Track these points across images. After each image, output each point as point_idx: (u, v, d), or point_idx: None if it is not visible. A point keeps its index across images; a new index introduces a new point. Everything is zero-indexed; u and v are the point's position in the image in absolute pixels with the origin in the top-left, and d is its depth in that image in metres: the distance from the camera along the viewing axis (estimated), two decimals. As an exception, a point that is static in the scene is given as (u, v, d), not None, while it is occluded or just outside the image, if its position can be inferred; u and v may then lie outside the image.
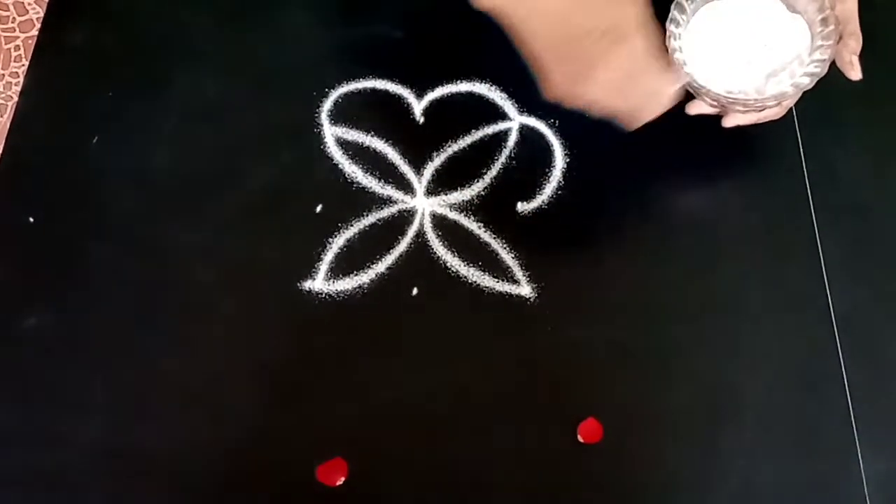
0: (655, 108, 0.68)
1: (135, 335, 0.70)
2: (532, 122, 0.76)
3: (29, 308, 0.71)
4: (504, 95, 0.77)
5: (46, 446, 0.67)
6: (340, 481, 0.65)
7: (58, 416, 0.68)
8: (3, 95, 0.79)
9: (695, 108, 0.72)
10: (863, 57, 0.67)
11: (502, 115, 0.77)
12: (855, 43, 0.67)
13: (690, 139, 0.74)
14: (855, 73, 0.67)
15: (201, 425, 0.67)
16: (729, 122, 0.71)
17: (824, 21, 0.67)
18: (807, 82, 0.67)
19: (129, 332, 0.70)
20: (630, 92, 0.66)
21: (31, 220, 0.74)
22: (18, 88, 0.78)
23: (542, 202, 0.74)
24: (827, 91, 0.67)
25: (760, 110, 0.69)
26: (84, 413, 0.68)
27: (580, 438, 0.66)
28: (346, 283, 0.71)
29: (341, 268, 0.72)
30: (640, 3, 0.64)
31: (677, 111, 0.72)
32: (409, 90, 0.78)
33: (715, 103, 0.70)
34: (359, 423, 0.67)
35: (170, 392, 0.68)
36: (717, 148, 0.75)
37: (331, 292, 0.71)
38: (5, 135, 0.76)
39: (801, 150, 0.75)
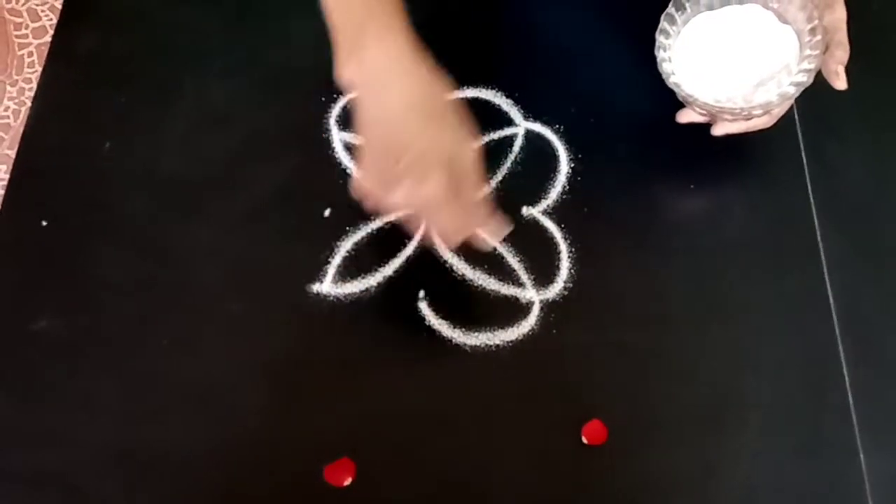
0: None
1: (144, 337, 0.70)
2: (537, 127, 0.77)
3: (40, 310, 0.71)
4: (510, 101, 0.78)
5: (55, 446, 0.67)
6: (348, 482, 0.65)
7: (67, 417, 0.68)
8: (16, 101, 0.79)
9: (685, 117, 0.72)
10: (850, 64, 0.67)
11: (508, 121, 0.77)
12: (842, 53, 0.67)
13: (693, 143, 0.74)
14: (840, 82, 0.67)
15: (210, 426, 0.68)
16: (718, 130, 0.71)
17: (812, 31, 0.68)
18: (792, 91, 0.67)
19: (138, 333, 0.71)
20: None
21: (44, 223, 0.74)
22: (31, 94, 0.79)
23: (548, 206, 0.74)
24: (828, 94, 0.68)
25: (749, 119, 0.70)
26: (93, 414, 0.68)
27: (584, 440, 0.66)
28: (354, 286, 0.72)
29: (349, 271, 0.72)
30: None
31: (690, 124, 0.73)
32: (415, 96, 0.78)
33: (704, 112, 0.70)
34: (366, 424, 0.67)
35: (178, 393, 0.69)
36: (720, 152, 0.75)
37: (339, 295, 0.71)
38: (19, 139, 0.77)
39: (803, 152, 0.75)
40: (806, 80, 0.67)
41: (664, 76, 0.69)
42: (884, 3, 0.81)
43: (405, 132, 0.61)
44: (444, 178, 0.60)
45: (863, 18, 0.68)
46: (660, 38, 0.69)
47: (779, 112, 0.70)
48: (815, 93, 0.67)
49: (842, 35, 0.67)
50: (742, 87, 0.70)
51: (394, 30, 0.62)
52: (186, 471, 0.66)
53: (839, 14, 0.67)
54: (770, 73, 0.69)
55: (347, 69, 0.62)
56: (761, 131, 0.71)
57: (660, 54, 0.69)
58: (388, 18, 0.62)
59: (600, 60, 0.79)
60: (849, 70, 0.67)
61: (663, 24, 0.70)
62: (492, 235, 0.68)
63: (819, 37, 0.67)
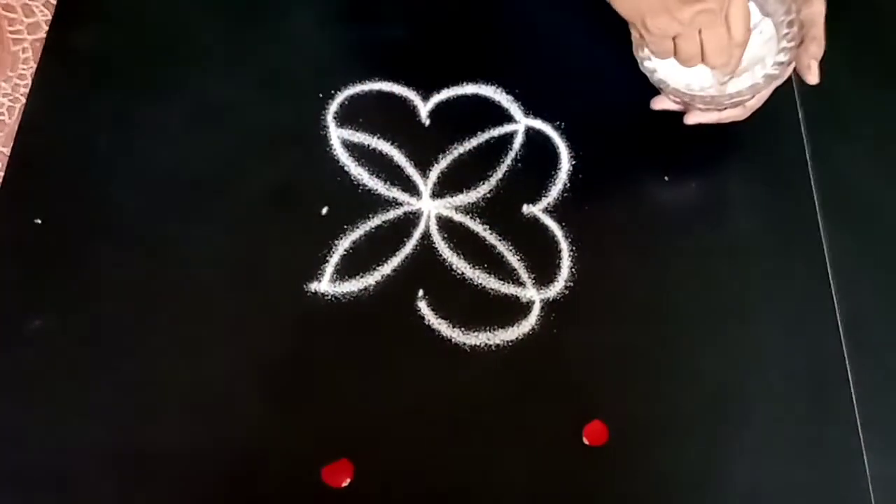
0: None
1: (140, 336, 0.70)
2: (538, 124, 0.77)
3: (35, 309, 0.71)
4: (510, 98, 0.78)
5: (51, 446, 0.67)
6: (346, 483, 0.65)
7: (62, 417, 0.67)
8: (11, 97, 0.79)
9: (658, 104, 0.73)
10: (822, 62, 0.67)
11: (508, 118, 0.77)
12: (816, 48, 0.67)
13: (696, 141, 0.74)
14: (812, 77, 0.67)
15: (206, 427, 0.67)
16: (690, 119, 0.72)
17: (789, 24, 0.68)
18: (762, 83, 0.67)
19: (134, 333, 0.70)
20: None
21: (39, 221, 0.74)
22: (26, 90, 0.79)
23: (548, 204, 0.74)
24: (833, 92, 0.68)
25: (721, 109, 0.69)
26: (89, 414, 0.68)
27: (586, 441, 0.66)
28: (352, 285, 0.71)
29: (347, 270, 0.72)
30: None
31: (683, 117, 0.73)
32: (414, 92, 0.78)
33: (677, 100, 0.70)
34: (364, 424, 0.67)
35: (175, 393, 0.68)
36: (722, 150, 0.75)
37: (336, 294, 0.71)
38: (13, 136, 0.77)
39: (807, 151, 0.75)
40: (778, 72, 0.67)
41: (638, 61, 0.69)
42: (891, 1, 0.81)
43: None
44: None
45: (869, 17, 0.67)
46: None
47: (753, 104, 0.70)
48: (820, 91, 0.67)
49: (817, 30, 0.67)
50: (716, 76, 0.69)
51: None
52: (184, 471, 0.66)
53: (817, 8, 0.67)
54: (746, 64, 0.69)
55: None
56: (734, 123, 0.71)
57: (636, 39, 0.69)
58: None
59: (602, 57, 0.79)
60: (822, 65, 0.67)
61: None
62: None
63: (795, 30, 0.67)
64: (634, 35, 0.68)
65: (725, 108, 0.70)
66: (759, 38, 0.70)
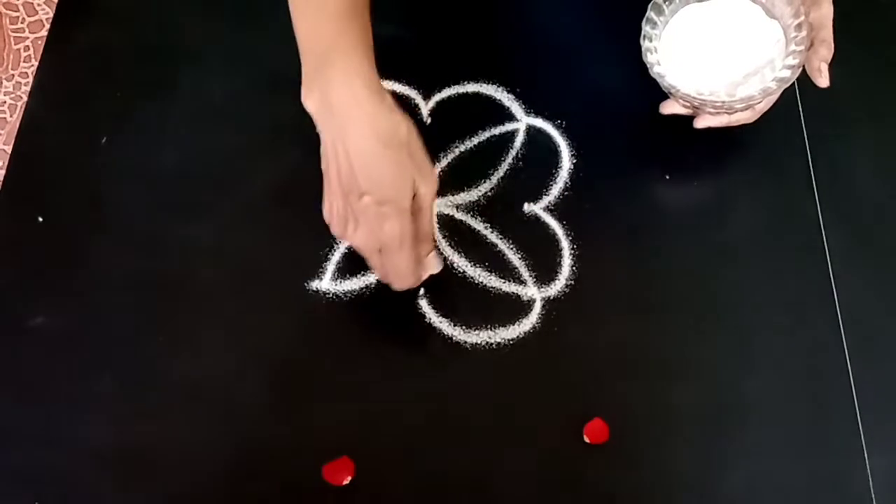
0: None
1: (141, 334, 0.70)
2: (539, 122, 0.77)
3: (36, 306, 0.71)
4: (511, 96, 0.77)
5: (50, 444, 0.67)
6: (347, 480, 0.65)
7: (63, 415, 0.68)
8: (12, 95, 0.79)
9: (668, 108, 0.72)
10: (832, 64, 0.66)
11: (509, 116, 0.77)
12: (825, 50, 0.66)
13: (697, 140, 0.74)
14: (823, 80, 0.67)
15: (207, 424, 0.67)
16: (700, 123, 0.71)
17: (798, 27, 0.67)
18: (774, 87, 0.67)
19: (135, 331, 0.70)
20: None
21: (41, 219, 0.74)
22: (28, 88, 0.79)
23: (549, 203, 0.74)
24: (834, 91, 0.67)
25: (731, 113, 0.69)
26: (89, 411, 0.68)
27: (586, 439, 0.66)
28: (353, 284, 0.71)
29: (348, 268, 0.72)
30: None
31: (685, 116, 0.73)
32: (416, 91, 0.78)
33: (687, 104, 0.70)
34: (365, 422, 0.67)
35: (176, 391, 0.68)
36: (723, 149, 0.75)
37: (338, 292, 0.71)
38: (15, 134, 0.77)
39: (808, 149, 0.75)
40: (790, 75, 0.67)
41: (648, 66, 0.69)
42: (891, 1, 0.81)
43: (366, 176, 0.61)
44: (398, 226, 0.62)
45: (869, 13, 0.67)
46: (645, 28, 0.69)
47: (762, 108, 0.70)
48: (820, 91, 0.67)
49: (827, 32, 0.67)
50: (726, 80, 0.70)
51: (361, 67, 0.62)
52: (184, 469, 0.66)
53: (825, 11, 0.67)
54: (755, 68, 0.69)
55: (311, 100, 0.63)
56: (743, 126, 0.71)
57: (644, 44, 0.69)
58: (355, 54, 0.62)
59: (603, 55, 0.79)
60: (831, 67, 0.67)
61: (650, 13, 0.70)
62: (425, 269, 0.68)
63: (804, 33, 0.67)
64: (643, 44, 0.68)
65: (735, 112, 0.70)
66: (767, 39, 0.69)
